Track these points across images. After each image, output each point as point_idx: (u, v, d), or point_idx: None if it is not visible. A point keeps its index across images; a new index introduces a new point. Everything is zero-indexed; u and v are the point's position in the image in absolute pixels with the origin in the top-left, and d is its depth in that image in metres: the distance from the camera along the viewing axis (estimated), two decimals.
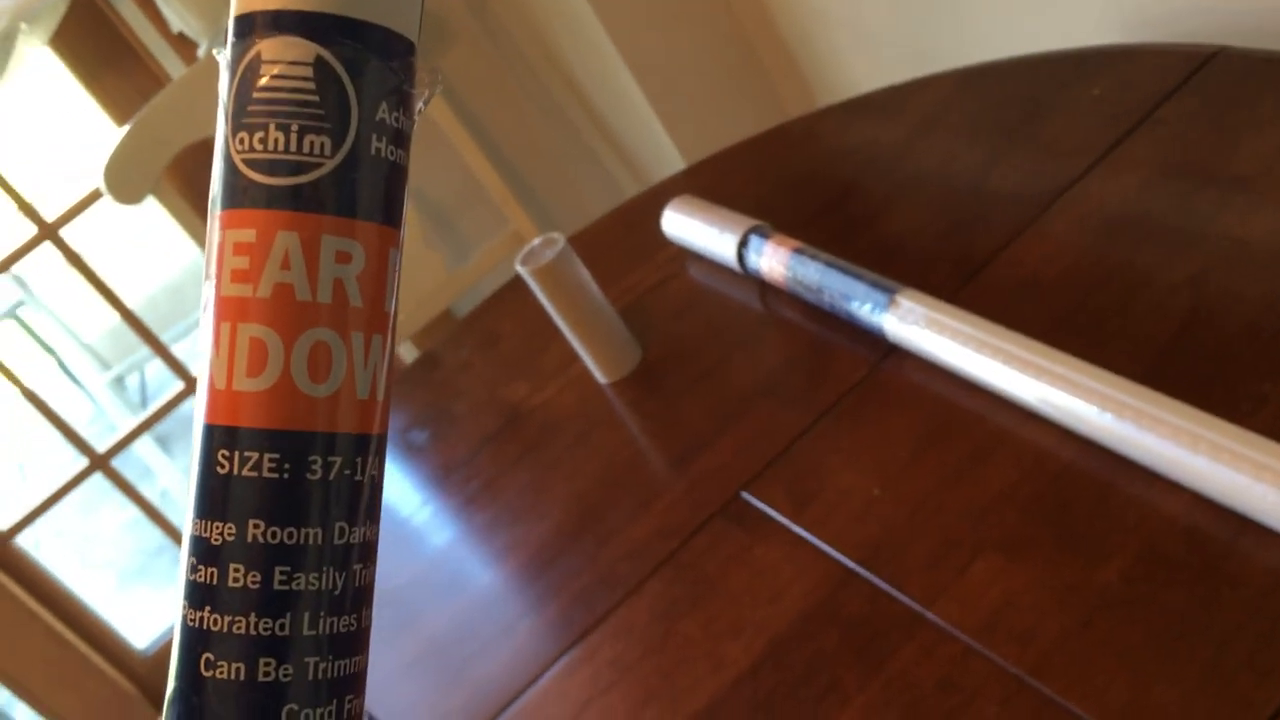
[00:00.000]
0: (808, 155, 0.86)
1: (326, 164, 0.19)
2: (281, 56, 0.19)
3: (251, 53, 0.19)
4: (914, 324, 0.59)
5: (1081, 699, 0.43)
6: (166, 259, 3.39)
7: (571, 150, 1.60)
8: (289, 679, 0.19)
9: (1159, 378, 0.50)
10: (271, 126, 0.19)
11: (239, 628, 0.19)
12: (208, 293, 0.20)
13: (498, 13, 1.49)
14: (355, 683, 0.21)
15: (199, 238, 1.32)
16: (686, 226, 0.77)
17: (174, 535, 1.56)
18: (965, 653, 0.47)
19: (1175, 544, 0.46)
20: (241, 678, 0.19)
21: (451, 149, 1.32)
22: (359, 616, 0.21)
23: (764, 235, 0.70)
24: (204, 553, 0.20)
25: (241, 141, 0.20)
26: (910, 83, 0.84)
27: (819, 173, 0.83)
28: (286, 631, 0.19)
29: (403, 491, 0.78)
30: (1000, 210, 0.68)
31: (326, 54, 0.19)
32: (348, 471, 0.20)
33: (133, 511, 1.58)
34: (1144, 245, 0.60)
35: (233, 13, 0.20)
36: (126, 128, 1.16)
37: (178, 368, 1.50)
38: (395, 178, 0.20)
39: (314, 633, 0.20)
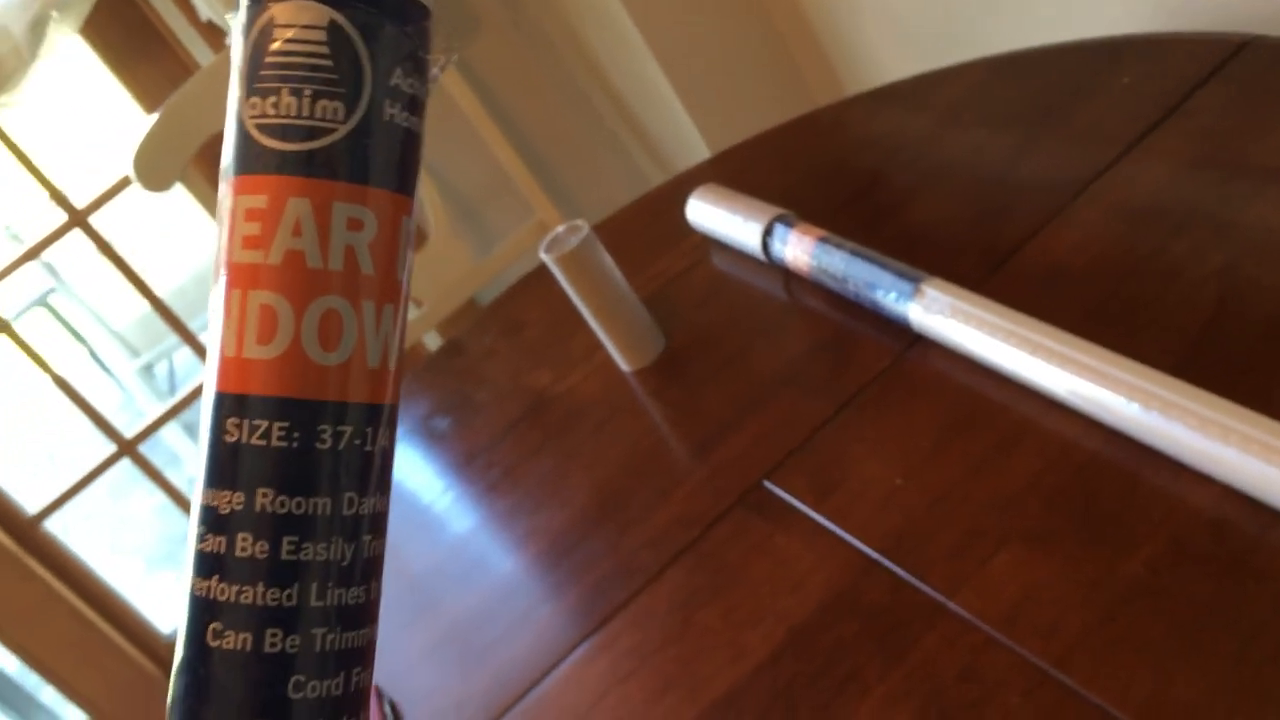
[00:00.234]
0: (834, 144, 0.85)
1: (339, 129, 0.19)
2: (295, 20, 0.19)
3: (265, 16, 0.19)
4: (939, 313, 0.58)
5: (1104, 691, 0.43)
6: (195, 247, 3.41)
7: (597, 139, 1.60)
8: (296, 650, 0.19)
9: (1188, 368, 0.49)
10: (284, 91, 0.19)
11: (246, 598, 0.19)
12: (219, 260, 0.20)
13: (525, 2, 1.49)
14: (363, 655, 0.20)
15: None
16: (711, 215, 0.77)
17: None
18: (987, 643, 0.46)
19: (1202, 537, 0.46)
20: (248, 648, 0.19)
21: (477, 138, 1.32)
22: (368, 588, 0.20)
23: (789, 224, 0.69)
24: (212, 522, 0.20)
25: (254, 106, 0.19)
26: (939, 71, 0.83)
27: (845, 161, 0.82)
28: (294, 602, 0.19)
29: (424, 478, 0.78)
30: (1028, 199, 0.67)
31: (340, 18, 0.19)
32: (358, 441, 0.20)
33: (161, 498, 1.59)
34: (1174, 235, 0.59)
35: None
36: (155, 115, 1.16)
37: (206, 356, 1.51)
38: (409, 144, 0.20)
39: (322, 604, 0.19)
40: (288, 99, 0.19)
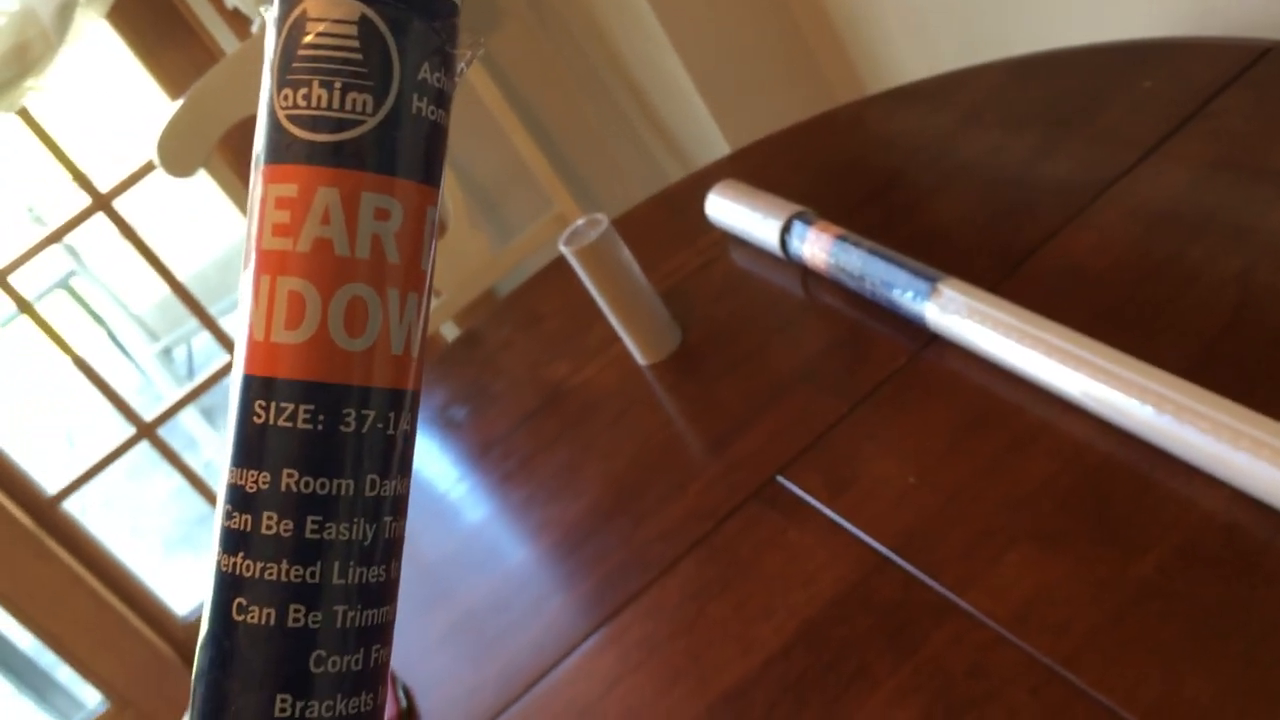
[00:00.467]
0: (854, 142, 0.85)
1: (368, 121, 0.20)
2: (327, 14, 0.20)
3: (297, 10, 0.20)
4: (955, 313, 0.59)
5: (1112, 691, 0.43)
6: (216, 233, 3.43)
7: (617, 133, 1.60)
8: (318, 625, 0.20)
9: (1204, 373, 0.49)
10: (315, 83, 0.20)
11: (271, 574, 0.20)
12: (249, 246, 0.20)
13: None
14: (383, 633, 0.21)
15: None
16: (730, 211, 0.77)
17: None
18: (997, 641, 0.47)
19: (1213, 540, 0.46)
20: (272, 623, 0.20)
21: (498, 130, 1.32)
22: (388, 568, 0.21)
23: (807, 221, 0.70)
24: (239, 500, 0.20)
25: (285, 98, 0.20)
26: (960, 71, 0.83)
27: (865, 160, 0.82)
28: (317, 579, 0.20)
29: (440, 467, 0.78)
30: (1047, 201, 0.67)
31: (371, 12, 0.20)
32: (380, 425, 0.20)
33: (178, 481, 1.60)
34: (1192, 240, 0.59)
35: None
36: (180, 101, 1.17)
37: (225, 341, 1.52)
38: (435, 137, 0.21)
39: (343, 582, 0.20)
40: (318, 91, 0.20)
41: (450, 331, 1.62)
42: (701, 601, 0.56)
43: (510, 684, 0.59)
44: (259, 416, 0.20)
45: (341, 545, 0.20)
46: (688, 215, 0.84)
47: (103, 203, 1.44)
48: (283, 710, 0.20)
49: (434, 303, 1.31)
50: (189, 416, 2.70)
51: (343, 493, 0.20)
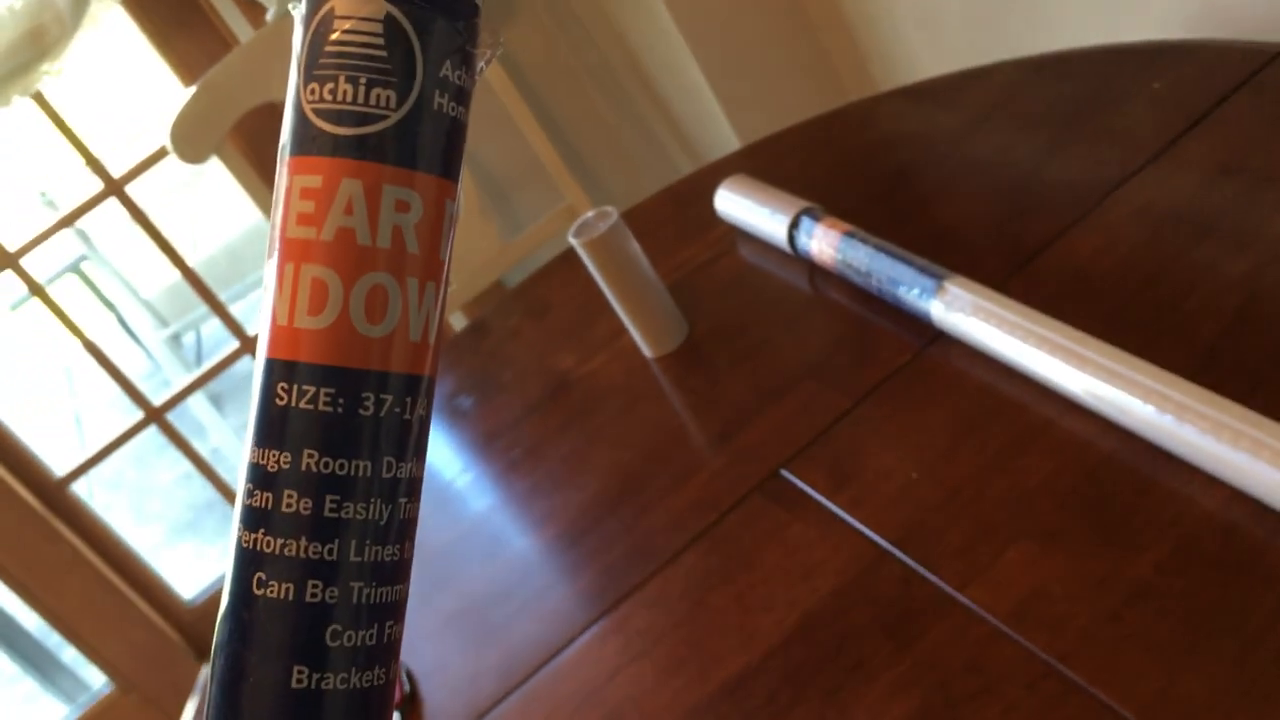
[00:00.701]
0: (864, 139, 0.86)
1: (391, 116, 0.20)
2: (354, 12, 0.20)
3: (325, 7, 0.20)
4: (961, 311, 0.59)
5: (1109, 687, 0.43)
6: (227, 220, 3.44)
7: (628, 127, 1.61)
8: (334, 601, 0.21)
9: (1207, 374, 0.50)
10: (341, 79, 0.20)
11: (290, 550, 0.20)
12: (273, 234, 0.21)
13: None
14: (396, 610, 0.22)
15: (260, 200, 1.34)
16: (739, 206, 0.78)
17: (224, 491, 1.60)
18: (995, 636, 0.47)
19: (1212, 539, 0.47)
20: (290, 597, 0.20)
21: (510, 122, 1.33)
22: (402, 548, 0.22)
23: (815, 217, 0.70)
24: (260, 479, 0.21)
25: (312, 92, 0.21)
26: (971, 71, 0.83)
27: (874, 157, 0.83)
28: (334, 556, 0.21)
29: (446, 455, 0.79)
30: (1054, 201, 0.68)
31: (396, 11, 0.20)
32: (398, 409, 0.21)
33: (185, 466, 1.61)
34: (1198, 242, 0.60)
35: None
36: (194, 88, 1.18)
37: (234, 327, 1.53)
38: (455, 133, 0.21)
39: (359, 559, 0.21)
40: (344, 86, 0.20)
41: (459, 321, 1.63)
42: (704, 592, 0.57)
43: (512, 671, 0.59)
44: (281, 398, 0.21)
45: (358, 524, 0.21)
46: (697, 209, 0.84)
47: (115, 188, 1.45)
48: (299, 681, 0.20)
49: None
50: (197, 402, 2.71)
51: (360, 473, 0.21)
